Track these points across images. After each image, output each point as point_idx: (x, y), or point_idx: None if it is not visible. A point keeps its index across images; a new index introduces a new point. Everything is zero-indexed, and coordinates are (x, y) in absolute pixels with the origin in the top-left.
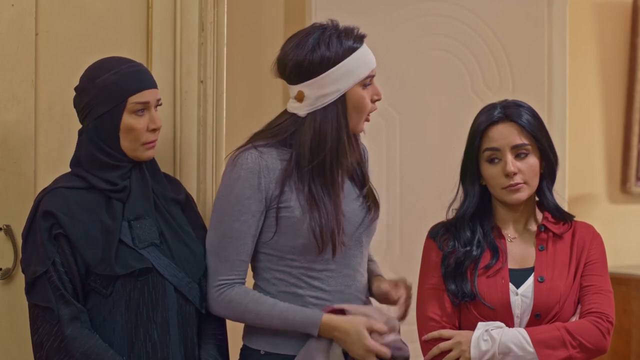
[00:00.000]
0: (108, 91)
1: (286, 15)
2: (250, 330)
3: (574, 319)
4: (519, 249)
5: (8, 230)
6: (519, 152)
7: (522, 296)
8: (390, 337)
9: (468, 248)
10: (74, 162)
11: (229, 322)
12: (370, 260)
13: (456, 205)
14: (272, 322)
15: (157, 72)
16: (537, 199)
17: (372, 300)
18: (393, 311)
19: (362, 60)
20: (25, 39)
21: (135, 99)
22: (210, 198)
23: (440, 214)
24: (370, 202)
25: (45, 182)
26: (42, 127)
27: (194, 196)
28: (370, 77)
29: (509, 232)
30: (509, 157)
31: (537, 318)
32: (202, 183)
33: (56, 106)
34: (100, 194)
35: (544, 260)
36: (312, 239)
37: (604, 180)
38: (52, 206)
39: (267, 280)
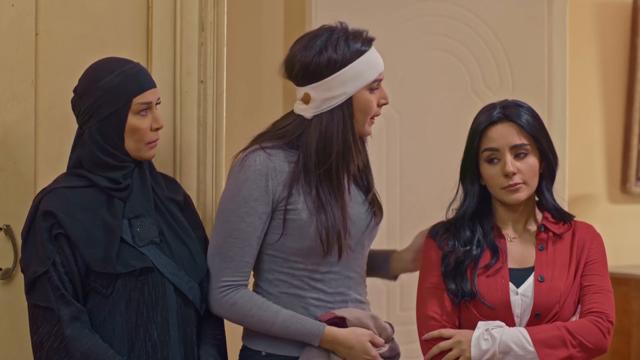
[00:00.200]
0: (112, 93)
1: (286, 15)
2: (251, 331)
3: (574, 318)
4: (518, 249)
5: (8, 230)
6: (518, 152)
7: (522, 296)
8: (386, 347)
9: (468, 247)
10: (75, 164)
11: (227, 322)
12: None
13: (456, 205)
14: (273, 328)
15: (157, 72)
16: (536, 199)
17: (372, 300)
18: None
19: (370, 64)
20: (25, 39)
21: (139, 99)
22: (211, 198)
23: (440, 214)
24: (376, 208)
25: (45, 182)
26: (42, 127)
27: (194, 196)
28: (378, 80)
29: (509, 232)
30: (508, 157)
31: (537, 318)
32: (202, 183)
33: (56, 106)
34: (101, 192)
35: (544, 259)
36: (319, 242)
37: (604, 180)
38: (52, 206)
39: (270, 282)
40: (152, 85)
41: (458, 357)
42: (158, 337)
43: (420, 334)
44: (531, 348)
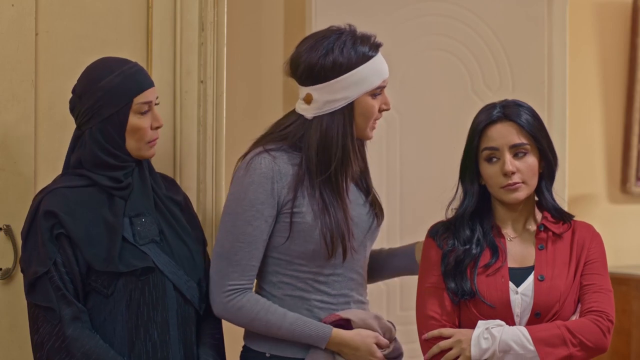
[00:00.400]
0: (113, 93)
1: (286, 15)
2: (254, 332)
3: (573, 318)
4: (518, 248)
5: (8, 230)
6: (517, 152)
7: (522, 295)
8: (391, 348)
9: (467, 246)
10: (75, 164)
11: (225, 322)
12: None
13: (455, 204)
14: (279, 331)
15: (157, 72)
16: (536, 198)
17: (372, 300)
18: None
19: (375, 70)
20: (25, 39)
21: (140, 99)
22: (210, 198)
23: (440, 214)
24: (377, 210)
25: (45, 182)
26: (42, 127)
27: (194, 196)
28: (382, 87)
29: (509, 231)
30: (507, 157)
31: (537, 317)
32: (202, 183)
33: (56, 106)
34: (101, 191)
35: (543, 259)
36: (323, 245)
37: (604, 180)
38: (53, 206)
39: (274, 284)
40: (151, 84)
41: (458, 356)
42: (158, 337)
43: (420, 333)
44: (531, 347)
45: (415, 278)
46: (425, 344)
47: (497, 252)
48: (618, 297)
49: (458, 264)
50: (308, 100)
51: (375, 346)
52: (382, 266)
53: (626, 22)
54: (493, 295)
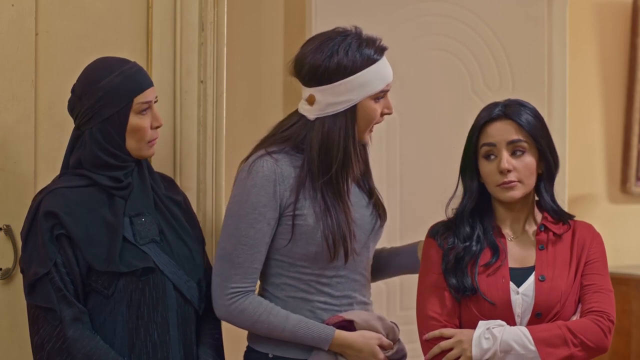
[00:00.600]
0: (114, 93)
1: (286, 15)
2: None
3: (574, 318)
4: (519, 248)
5: (8, 230)
6: (515, 150)
7: (522, 295)
8: (394, 349)
9: (467, 243)
10: (75, 164)
11: (226, 323)
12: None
13: (456, 203)
14: (283, 334)
15: (157, 72)
16: (536, 199)
17: (373, 300)
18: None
19: (379, 73)
20: (25, 39)
21: (140, 99)
22: (210, 198)
23: (441, 214)
24: (380, 211)
25: (45, 182)
26: (42, 127)
27: (194, 196)
28: (385, 91)
29: (509, 231)
30: (505, 154)
31: (537, 317)
32: (202, 183)
33: (56, 106)
34: (101, 191)
35: (544, 259)
36: (325, 248)
37: (604, 180)
38: (53, 206)
39: (276, 286)
40: (150, 84)
41: (459, 357)
42: (158, 337)
43: (421, 333)
44: (532, 347)
45: (415, 277)
46: (426, 344)
47: (498, 251)
48: (618, 297)
49: (458, 261)
50: (311, 101)
51: (378, 348)
52: (385, 265)
53: (626, 22)
54: (494, 295)
